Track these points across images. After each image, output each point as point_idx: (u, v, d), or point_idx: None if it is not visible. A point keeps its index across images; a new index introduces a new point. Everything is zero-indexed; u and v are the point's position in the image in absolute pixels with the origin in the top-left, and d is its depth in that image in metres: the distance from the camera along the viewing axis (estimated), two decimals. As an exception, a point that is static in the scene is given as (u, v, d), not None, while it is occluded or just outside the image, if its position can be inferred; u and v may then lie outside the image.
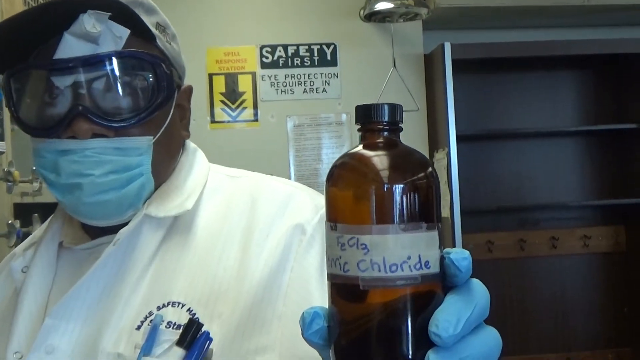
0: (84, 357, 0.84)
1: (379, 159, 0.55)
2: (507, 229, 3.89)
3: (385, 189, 0.53)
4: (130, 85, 0.88)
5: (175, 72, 0.94)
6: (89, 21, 0.84)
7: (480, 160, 3.92)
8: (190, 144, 1.02)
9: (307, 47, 3.64)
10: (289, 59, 3.62)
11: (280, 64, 3.62)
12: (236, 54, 3.59)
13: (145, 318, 0.84)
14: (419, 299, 0.53)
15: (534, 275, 3.89)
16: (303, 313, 0.55)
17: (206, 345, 0.81)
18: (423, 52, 3.68)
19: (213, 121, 3.58)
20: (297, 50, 3.63)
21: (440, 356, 0.50)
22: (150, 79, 0.89)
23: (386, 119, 0.56)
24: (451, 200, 3.34)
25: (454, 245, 3.25)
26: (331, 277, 0.55)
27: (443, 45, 3.41)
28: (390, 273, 0.52)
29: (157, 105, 0.89)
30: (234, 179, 1.00)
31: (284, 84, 3.61)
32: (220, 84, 3.58)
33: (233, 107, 3.58)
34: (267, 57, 3.61)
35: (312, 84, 3.63)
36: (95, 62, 0.86)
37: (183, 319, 0.83)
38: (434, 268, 0.53)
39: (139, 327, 0.83)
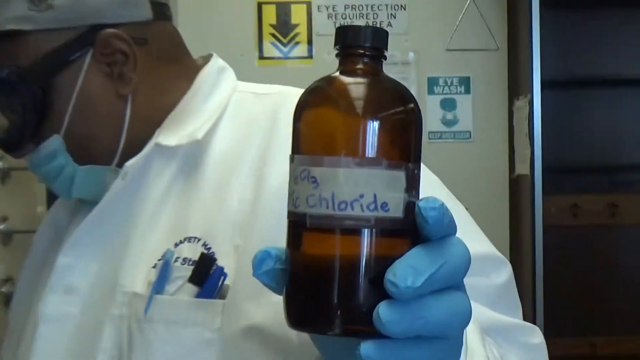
0: (104, 296, 0.86)
1: (347, 85, 0.53)
2: (596, 192, 3.63)
3: (340, 116, 0.52)
4: None
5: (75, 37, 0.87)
6: None
7: (568, 110, 3.65)
8: (217, 62, 0.99)
9: (371, -28, 3.40)
10: (350, -14, 3.38)
11: (340, -8, 3.41)
12: (289, -21, 3.40)
13: (163, 256, 0.86)
14: (374, 245, 0.50)
15: (626, 245, 3.66)
16: (256, 253, 0.54)
17: (220, 281, 0.81)
18: (505, -18, 3.46)
19: (261, 57, 3.35)
20: (359, -23, 3.39)
21: (393, 310, 0.47)
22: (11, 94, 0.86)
23: (368, 43, 0.53)
24: (532, 155, 3.07)
25: (532, 208, 3.09)
26: (287, 215, 0.54)
27: (530, -25, 3.18)
28: (339, 211, 0.50)
29: (34, 110, 0.87)
30: (261, 96, 0.97)
31: (343, 16, 3.35)
32: (270, 15, 3.34)
33: (284, 41, 3.36)
34: (324, -16, 3.39)
35: (375, 16, 3.36)
36: None
37: (198, 254, 0.84)
38: (394, 212, 0.50)
39: (155, 265, 0.85)
